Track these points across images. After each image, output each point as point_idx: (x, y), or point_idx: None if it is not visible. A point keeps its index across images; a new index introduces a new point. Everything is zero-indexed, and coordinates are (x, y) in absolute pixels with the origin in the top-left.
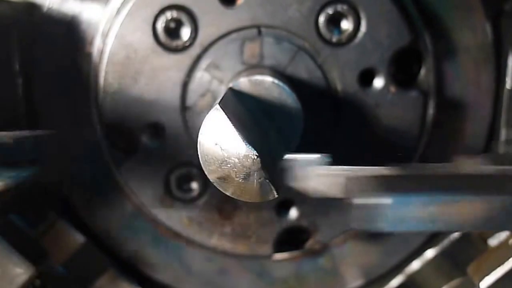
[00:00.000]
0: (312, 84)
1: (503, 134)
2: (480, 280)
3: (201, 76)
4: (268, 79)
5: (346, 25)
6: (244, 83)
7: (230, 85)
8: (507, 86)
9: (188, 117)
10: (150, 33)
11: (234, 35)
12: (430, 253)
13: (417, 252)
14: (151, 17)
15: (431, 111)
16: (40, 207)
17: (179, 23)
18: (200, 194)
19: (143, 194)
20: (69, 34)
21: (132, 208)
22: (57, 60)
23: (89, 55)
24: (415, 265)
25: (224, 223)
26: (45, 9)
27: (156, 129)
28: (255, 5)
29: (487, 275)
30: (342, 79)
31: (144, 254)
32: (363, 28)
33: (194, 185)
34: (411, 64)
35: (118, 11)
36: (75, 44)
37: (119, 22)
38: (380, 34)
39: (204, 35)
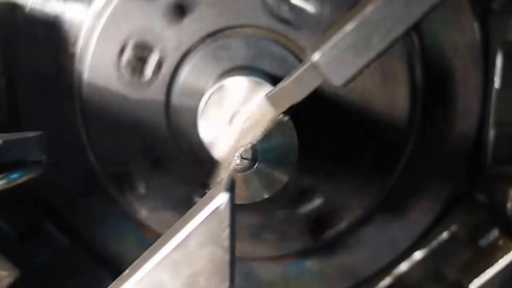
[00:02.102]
0: None
1: (491, 135)
2: (470, 282)
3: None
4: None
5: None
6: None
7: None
8: (496, 86)
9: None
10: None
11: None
12: (418, 255)
13: (405, 254)
14: None
15: (418, 111)
16: (24, 209)
17: None
18: None
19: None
20: (52, 34)
21: (117, 209)
22: (40, 61)
23: (72, 56)
24: (403, 266)
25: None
26: (27, 9)
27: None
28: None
29: (476, 276)
30: None
31: (129, 256)
32: None
33: None
34: None
35: (101, 11)
36: (58, 45)
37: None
38: None
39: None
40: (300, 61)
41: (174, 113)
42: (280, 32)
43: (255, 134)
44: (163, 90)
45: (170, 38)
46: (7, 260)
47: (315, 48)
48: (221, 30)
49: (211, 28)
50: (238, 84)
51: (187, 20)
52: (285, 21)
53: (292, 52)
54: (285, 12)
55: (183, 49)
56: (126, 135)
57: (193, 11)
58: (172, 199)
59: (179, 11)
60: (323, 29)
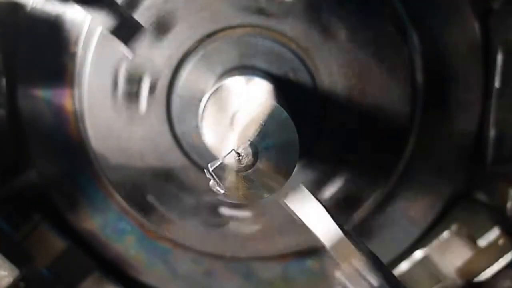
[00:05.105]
0: None
1: (491, 134)
2: (470, 281)
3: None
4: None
5: None
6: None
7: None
8: (496, 85)
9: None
10: None
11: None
12: (419, 254)
13: (406, 253)
14: None
15: (419, 110)
16: (24, 209)
17: None
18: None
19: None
20: (53, 33)
21: (117, 209)
22: (41, 60)
23: (74, 55)
24: (404, 266)
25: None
26: (28, 9)
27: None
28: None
29: (476, 276)
30: None
31: (129, 256)
32: None
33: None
34: None
35: None
36: (60, 44)
37: None
38: None
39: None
40: (296, 55)
41: (176, 120)
42: (271, 28)
43: (254, 132)
44: (162, 101)
45: (158, 54)
46: (7, 260)
47: None
48: (210, 35)
49: (199, 35)
50: (236, 83)
51: (174, 32)
52: (273, 15)
53: (286, 46)
54: (272, 6)
55: (175, 61)
56: (131, 147)
57: (176, 24)
58: (180, 206)
59: (161, 27)
60: (314, 20)
